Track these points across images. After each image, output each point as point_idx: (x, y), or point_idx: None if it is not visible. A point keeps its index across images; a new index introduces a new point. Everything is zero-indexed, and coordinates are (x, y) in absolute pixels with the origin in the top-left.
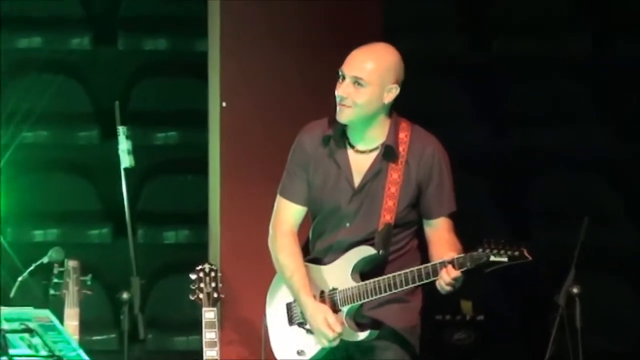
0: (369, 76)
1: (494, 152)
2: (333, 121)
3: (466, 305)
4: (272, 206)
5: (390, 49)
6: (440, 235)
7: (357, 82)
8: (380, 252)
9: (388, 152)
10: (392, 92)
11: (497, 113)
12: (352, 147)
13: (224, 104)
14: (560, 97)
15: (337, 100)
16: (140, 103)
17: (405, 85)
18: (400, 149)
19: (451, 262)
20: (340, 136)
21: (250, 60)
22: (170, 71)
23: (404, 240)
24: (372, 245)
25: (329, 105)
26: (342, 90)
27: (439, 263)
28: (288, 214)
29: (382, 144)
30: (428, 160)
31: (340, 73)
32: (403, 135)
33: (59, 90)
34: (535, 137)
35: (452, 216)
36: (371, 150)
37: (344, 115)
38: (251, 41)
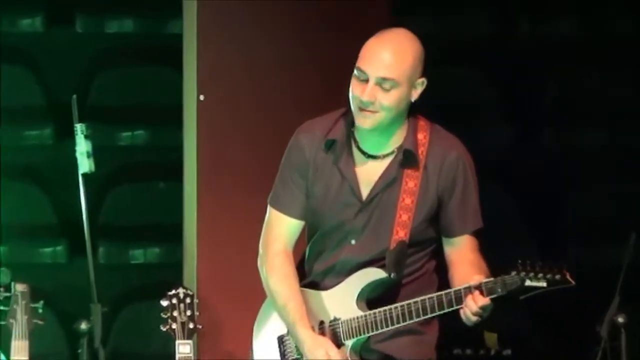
0: (400, 75)
1: (525, 156)
2: (336, 122)
3: (490, 338)
4: (261, 220)
5: (412, 36)
6: (464, 256)
7: (385, 82)
8: (392, 275)
9: (407, 158)
10: (419, 88)
11: (529, 109)
12: (362, 152)
13: (201, 98)
14: (605, 90)
15: (360, 104)
16: (102, 96)
17: None
18: (419, 151)
19: (478, 287)
20: (346, 139)
21: (233, 45)
22: (138, 58)
23: (420, 262)
24: (382, 267)
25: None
26: (368, 94)
27: (464, 289)
28: (281, 230)
29: (399, 148)
30: (451, 168)
31: (358, 73)
32: (421, 136)
33: (6, 81)
34: (574, 139)
35: (477, 234)
36: (385, 156)
37: (370, 122)
38: (233, 23)
